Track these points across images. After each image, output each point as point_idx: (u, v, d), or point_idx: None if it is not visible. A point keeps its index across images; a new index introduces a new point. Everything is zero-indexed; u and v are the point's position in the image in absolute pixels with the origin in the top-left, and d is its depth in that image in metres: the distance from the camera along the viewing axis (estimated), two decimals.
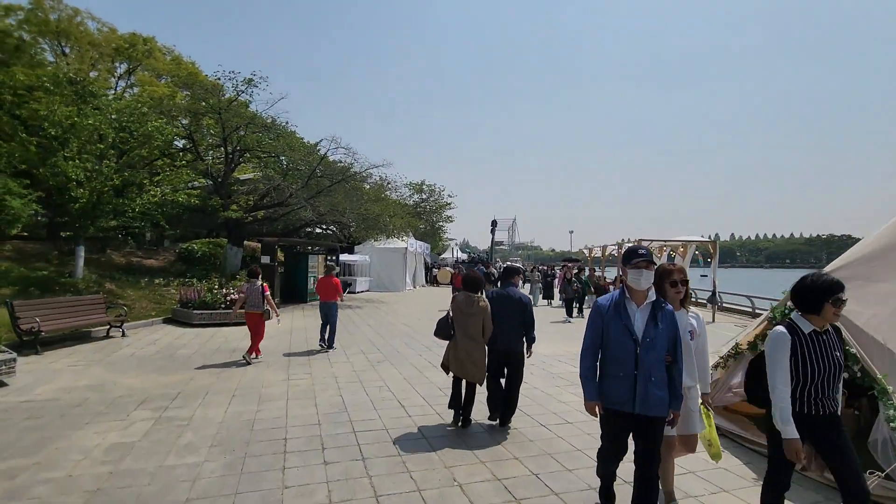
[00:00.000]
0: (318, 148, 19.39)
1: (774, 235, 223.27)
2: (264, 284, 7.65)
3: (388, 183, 27.03)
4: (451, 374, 4.89)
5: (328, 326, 8.83)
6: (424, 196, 34.54)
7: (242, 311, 7.79)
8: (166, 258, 21.33)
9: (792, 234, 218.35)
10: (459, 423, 4.88)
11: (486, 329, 4.75)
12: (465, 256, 43.28)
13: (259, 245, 19.47)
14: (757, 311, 15.84)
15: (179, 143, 18.79)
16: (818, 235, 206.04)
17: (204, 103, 16.56)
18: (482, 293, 4.95)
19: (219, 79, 16.37)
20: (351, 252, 23.63)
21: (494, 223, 45.89)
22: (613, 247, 17.06)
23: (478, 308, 4.74)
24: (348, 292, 20.06)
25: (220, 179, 19.18)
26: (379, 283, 23.10)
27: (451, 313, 4.89)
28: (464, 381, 4.85)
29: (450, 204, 35.99)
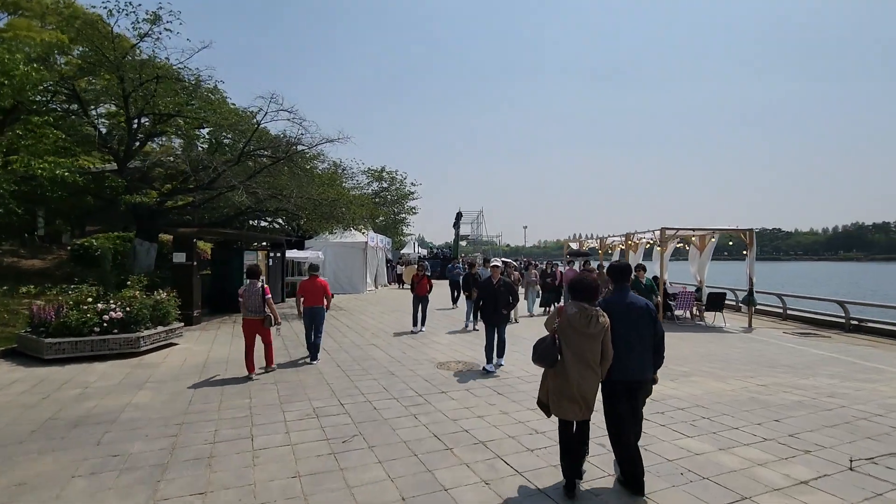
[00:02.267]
0: (254, 118, 15.25)
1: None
2: (265, 286, 6.59)
3: (343, 170, 23.14)
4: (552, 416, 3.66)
5: (315, 334, 7.48)
6: (385, 185, 30.71)
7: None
8: (59, 258, 16.73)
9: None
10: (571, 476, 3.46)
11: (607, 354, 3.40)
12: (425, 252, 39.80)
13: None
14: (789, 311, 13.71)
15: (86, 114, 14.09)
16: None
17: (105, 57, 12.11)
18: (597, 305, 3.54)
19: (111, 11, 11.99)
20: (301, 247, 19.64)
21: (459, 215, 42.57)
22: (646, 234, 13.73)
23: (598, 326, 3.35)
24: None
25: (122, 153, 14.74)
26: (336, 284, 19.29)
27: (556, 332, 3.51)
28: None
29: (413, 193, 32.40)
